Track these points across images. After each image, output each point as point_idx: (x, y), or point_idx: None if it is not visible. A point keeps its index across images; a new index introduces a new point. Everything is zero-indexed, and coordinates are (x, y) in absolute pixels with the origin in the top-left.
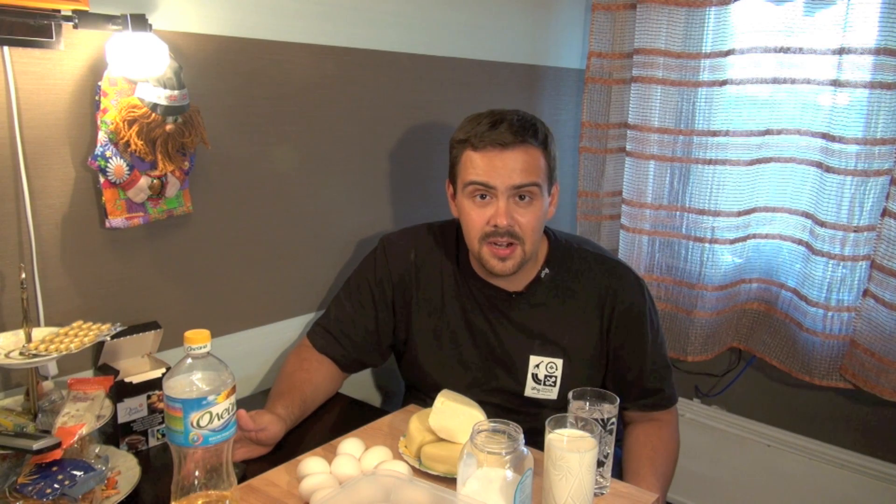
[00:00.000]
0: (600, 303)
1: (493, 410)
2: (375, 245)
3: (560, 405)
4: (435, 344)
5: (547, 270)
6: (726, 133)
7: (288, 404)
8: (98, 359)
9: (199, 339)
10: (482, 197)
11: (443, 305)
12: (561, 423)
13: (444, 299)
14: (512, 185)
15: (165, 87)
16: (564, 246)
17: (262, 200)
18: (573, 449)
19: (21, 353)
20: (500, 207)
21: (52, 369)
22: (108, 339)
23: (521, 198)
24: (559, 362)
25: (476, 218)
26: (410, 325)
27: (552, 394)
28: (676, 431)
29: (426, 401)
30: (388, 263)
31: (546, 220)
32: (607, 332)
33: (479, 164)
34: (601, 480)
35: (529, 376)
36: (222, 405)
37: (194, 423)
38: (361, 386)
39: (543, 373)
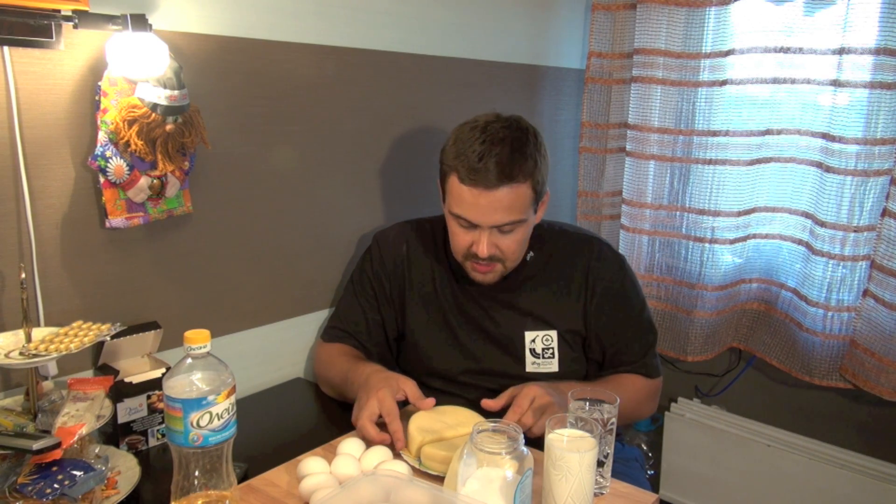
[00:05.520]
0: (582, 279)
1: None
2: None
3: (561, 378)
4: (430, 331)
5: (532, 253)
6: (726, 133)
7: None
8: (98, 359)
9: (199, 339)
10: (467, 224)
11: (436, 294)
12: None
13: (437, 287)
14: (495, 224)
15: (165, 87)
16: (546, 228)
17: (262, 200)
18: (573, 449)
19: (21, 353)
20: (482, 241)
21: (52, 369)
22: (108, 339)
23: (504, 230)
24: (553, 333)
25: (460, 241)
26: (405, 315)
27: (552, 366)
28: (650, 398)
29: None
30: (382, 257)
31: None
32: (590, 307)
33: (464, 199)
34: (601, 480)
35: (528, 352)
36: (222, 405)
37: (194, 423)
38: None
39: (540, 346)
